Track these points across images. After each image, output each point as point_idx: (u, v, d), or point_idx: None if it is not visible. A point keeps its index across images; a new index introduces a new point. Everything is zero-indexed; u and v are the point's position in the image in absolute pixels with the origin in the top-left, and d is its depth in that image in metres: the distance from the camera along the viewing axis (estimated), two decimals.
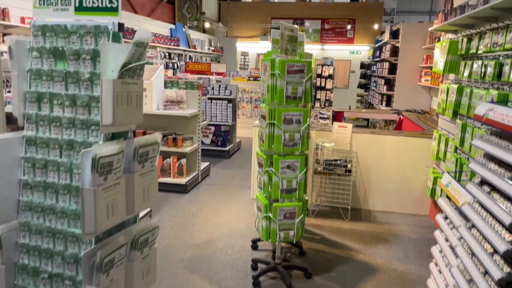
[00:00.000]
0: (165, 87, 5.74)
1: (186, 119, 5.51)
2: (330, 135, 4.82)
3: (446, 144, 4.10)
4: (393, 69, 7.98)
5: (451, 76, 4.12)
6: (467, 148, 3.35)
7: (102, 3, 1.90)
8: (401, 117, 7.34)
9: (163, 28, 10.03)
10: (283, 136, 2.92)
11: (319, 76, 9.14)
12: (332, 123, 5.06)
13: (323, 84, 9.10)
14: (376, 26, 14.56)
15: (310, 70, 2.96)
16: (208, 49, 13.07)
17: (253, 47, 16.46)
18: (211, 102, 7.68)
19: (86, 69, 1.90)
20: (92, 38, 1.88)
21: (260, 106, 3.17)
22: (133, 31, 7.82)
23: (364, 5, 16.01)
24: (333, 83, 9.18)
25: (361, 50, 15.99)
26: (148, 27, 9.07)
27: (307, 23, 16.26)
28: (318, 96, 9.11)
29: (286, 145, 2.94)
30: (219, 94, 7.67)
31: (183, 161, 5.36)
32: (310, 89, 3.01)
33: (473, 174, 2.37)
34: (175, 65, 10.71)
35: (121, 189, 1.74)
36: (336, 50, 16.06)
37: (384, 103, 8.35)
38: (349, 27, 15.60)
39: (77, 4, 1.95)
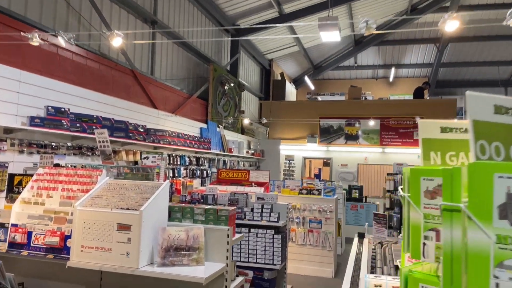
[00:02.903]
0: (171, 219, 3.39)
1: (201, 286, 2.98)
2: None
3: None
4: None
5: None
6: None
7: None
8: None
9: (191, 127, 8.20)
10: None
11: None
12: None
13: None
14: None
15: None
16: (247, 152, 11.09)
17: (299, 150, 14.45)
18: (249, 231, 5.18)
19: None
20: None
21: None
22: (145, 129, 5.89)
23: (432, 102, 13.98)
24: None
25: None
26: (171, 125, 7.22)
27: (362, 123, 14.29)
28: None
29: None
30: (260, 219, 5.21)
31: None
32: None
33: None
34: (205, 172, 8.61)
35: None
36: (400, 154, 13.67)
37: None
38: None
39: None
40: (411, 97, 15.25)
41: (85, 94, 4.93)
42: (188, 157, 7.91)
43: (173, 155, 7.19)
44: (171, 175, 6.97)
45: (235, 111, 11.11)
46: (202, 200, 5.47)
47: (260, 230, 5.15)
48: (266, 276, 4.95)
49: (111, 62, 6.02)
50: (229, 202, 5.39)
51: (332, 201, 7.29)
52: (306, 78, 16.75)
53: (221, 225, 3.27)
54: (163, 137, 6.49)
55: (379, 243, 4.96)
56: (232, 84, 10.57)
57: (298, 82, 18.63)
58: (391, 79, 17.45)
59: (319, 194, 7.38)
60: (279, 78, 15.92)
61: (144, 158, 3.55)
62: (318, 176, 18.11)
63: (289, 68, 17.31)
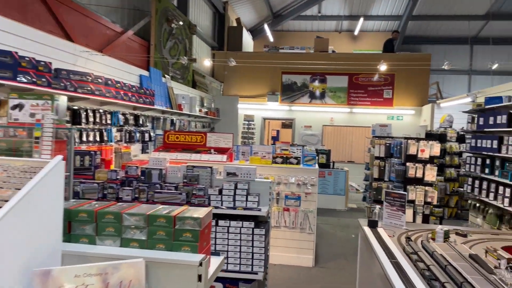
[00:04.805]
0: (72, 237, 1.59)
1: None
2: None
3: None
4: None
5: None
6: None
7: None
8: None
9: (127, 73, 6.15)
10: None
11: (413, 159, 5.18)
12: None
13: (419, 175, 5.11)
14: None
15: None
16: (200, 111, 9.20)
17: (258, 109, 12.78)
18: (216, 224, 3.52)
19: None
20: None
21: None
22: (51, 69, 3.84)
23: (406, 57, 12.78)
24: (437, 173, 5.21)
25: (404, 115, 12.48)
26: (96, 67, 5.14)
27: (329, 79, 12.85)
28: (411, 197, 5.06)
29: None
30: (233, 205, 3.55)
31: None
32: None
33: None
34: (147, 135, 6.69)
35: None
36: (369, 114, 12.52)
37: None
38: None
39: None
40: (376, 53, 13.99)
41: None
42: (123, 114, 5.92)
43: (100, 110, 5.18)
44: (97, 138, 5.00)
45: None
46: (143, 178, 3.67)
47: (232, 223, 3.50)
48: None
49: None
50: (185, 180, 3.64)
51: (314, 171, 5.79)
52: (266, 27, 14.83)
53: (183, 250, 1.54)
54: (84, 83, 4.46)
55: (407, 237, 3.53)
56: (181, 23, 8.44)
57: (254, 32, 16.63)
58: (356, 32, 16.04)
59: (298, 163, 5.83)
60: (235, 24, 13.85)
61: (15, 106, 1.67)
62: (275, 139, 16.66)
63: (246, 14, 15.21)
